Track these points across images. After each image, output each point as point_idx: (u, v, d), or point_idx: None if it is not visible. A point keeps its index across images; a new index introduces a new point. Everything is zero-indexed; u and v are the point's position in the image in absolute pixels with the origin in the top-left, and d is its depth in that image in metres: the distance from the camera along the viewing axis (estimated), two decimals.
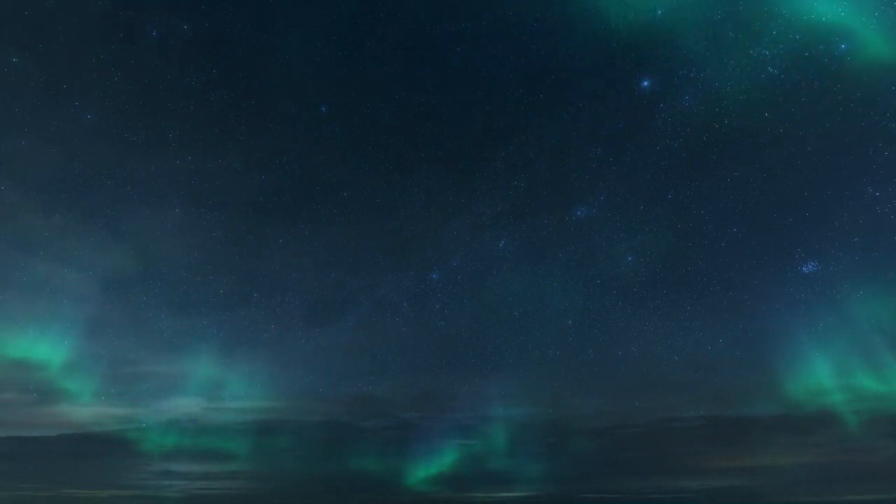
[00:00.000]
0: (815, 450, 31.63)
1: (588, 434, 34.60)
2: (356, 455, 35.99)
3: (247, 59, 29.89)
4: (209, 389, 34.51)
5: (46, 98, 27.98)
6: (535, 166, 32.49)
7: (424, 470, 36.34)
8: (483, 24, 30.92)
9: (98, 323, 32.42)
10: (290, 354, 35.14)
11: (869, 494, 28.49)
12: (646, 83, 29.70)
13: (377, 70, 31.16)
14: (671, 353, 32.47)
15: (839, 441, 30.96)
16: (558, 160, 32.36)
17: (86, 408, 33.17)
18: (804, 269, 29.06)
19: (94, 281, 31.89)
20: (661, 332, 32.63)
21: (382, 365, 35.54)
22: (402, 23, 30.45)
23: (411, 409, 36.33)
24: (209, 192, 31.66)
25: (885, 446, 29.63)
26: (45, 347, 31.46)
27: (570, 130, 31.82)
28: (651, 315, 32.81)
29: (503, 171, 32.76)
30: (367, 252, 34.24)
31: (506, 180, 32.89)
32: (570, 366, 33.94)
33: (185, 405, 34.42)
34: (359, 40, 30.53)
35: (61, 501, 30.85)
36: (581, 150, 31.88)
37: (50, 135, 28.53)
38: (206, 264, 32.90)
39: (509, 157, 32.44)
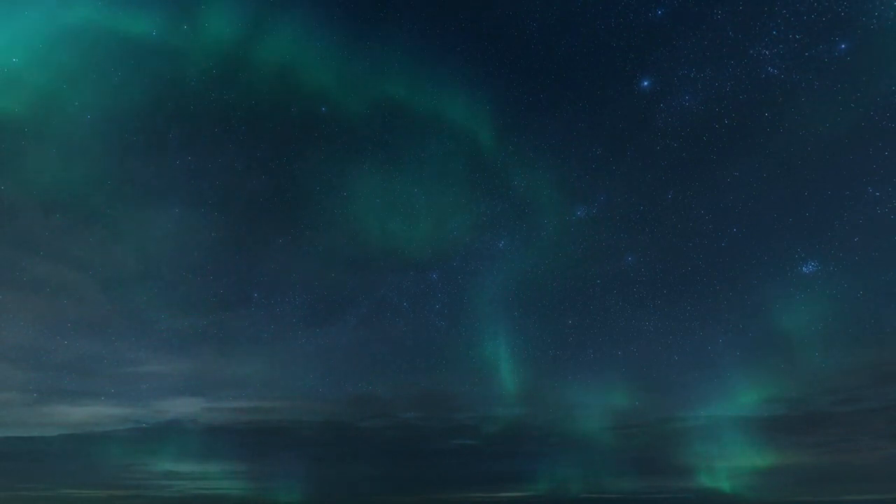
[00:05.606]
0: (815, 450, 31.70)
1: (589, 434, 34.61)
2: (356, 455, 36.06)
3: (247, 59, 29.92)
4: (209, 389, 34.58)
5: (46, 98, 28.02)
6: (535, 166, 32.55)
7: (424, 470, 36.43)
8: (483, 24, 31.02)
9: (98, 323, 32.49)
10: (290, 354, 35.16)
11: (869, 494, 28.51)
12: (646, 83, 29.77)
13: (377, 70, 31.20)
14: (671, 353, 32.52)
15: (839, 441, 31.02)
16: (558, 160, 32.42)
17: (86, 408, 33.23)
18: (804, 269, 29.07)
19: (95, 281, 31.95)
20: (661, 332, 32.70)
21: (382, 365, 35.62)
22: (402, 22, 30.54)
23: (411, 409, 36.42)
24: (209, 192, 31.70)
25: (884, 446, 29.66)
26: (45, 347, 31.53)
27: (570, 130, 31.90)
28: (651, 315, 32.87)
29: (503, 171, 32.83)
30: (367, 252, 34.27)
31: (506, 180, 32.98)
32: (570, 366, 34.01)
33: (185, 405, 34.47)
34: (359, 40, 30.55)
35: (61, 501, 30.85)
36: (581, 150, 31.94)
37: (50, 135, 28.57)
38: (206, 264, 32.93)
39: (509, 157, 32.51)
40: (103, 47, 28.05)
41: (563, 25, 30.27)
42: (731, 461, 32.15)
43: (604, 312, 33.39)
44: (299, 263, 33.57)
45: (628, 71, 29.82)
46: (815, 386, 30.48)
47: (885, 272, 27.65)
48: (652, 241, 32.31)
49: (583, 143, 31.80)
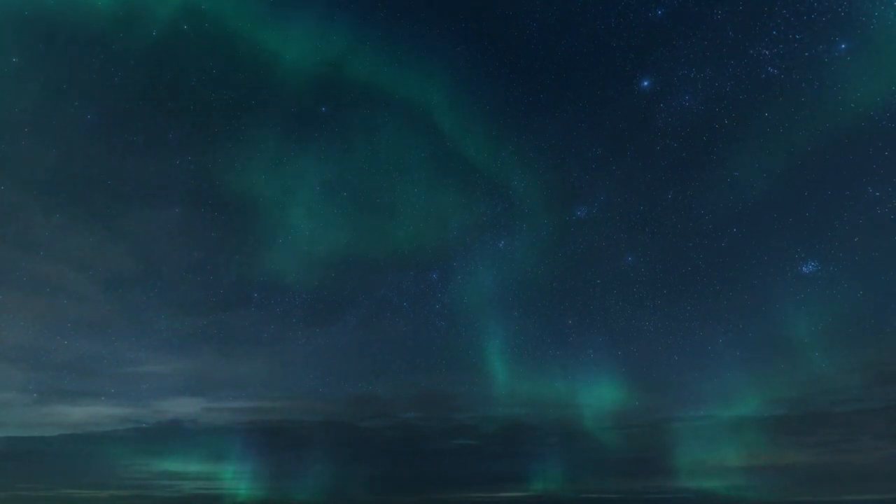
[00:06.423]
0: (815, 450, 31.70)
1: (588, 433, 34.64)
2: (356, 455, 36.08)
3: (247, 59, 29.95)
4: (209, 389, 34.60)
5: (46, 98, 28.02)
6: (535, 166, 32.55)
7: (424, 470, 36.43)
8: (483, 24, 31.03)
9: (98, 323, 32.49)
10: (290, 354, 35.22)
11: (869, 494, 28.49)
12: (646, 83, 29.79)
13: (377, 70, 31.23)
14: (671, 353, 32.54)
15: (839, 441, 31.02)
16: (558, 160, 32.42)
17: (86, 408, 33.23)
18: (804, 269, 29.08)
19: (94, 281, 31.96)
20: (661, 332, 32.71)
21: (382, 365, 35.65)
22: (402, 23, 30.55)
23: (411, 409, 36.42)
24: (209, 192, 31.73)
25: (885, 446, 29.64)
26: (45, 347, 31.53)
27: (570, 130, 31.91)
28: (651, 315, 32.88)
29: (503, 171, 32.84)
30: (367, 252, 34.27)
31: (506, 180, 32.98)
32: (570, 366, 34.01)
33: (185, 405, 34.49)
34: (358, 40, 30.57)
35: (61, 501, 30.85)
36: (581, 150, 31.96)
37: (50, 135, 28.59)
38: (206, 264, 32.98)
39: (509, 157, 32.52)
40: (103, 47, 28.12)
41: (563, 25, 30.32)
42: (731, 461, 32.18)
43: (604, 312, 33.45)
44: (299, 263, 33.64)
45: (628, 71, 29.91)
46: (815, 386, 30.52)
47: (885, 272, 27.69)
48: (652, 241, 32.39)
49: (583, 143, 31.88)
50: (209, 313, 33.70)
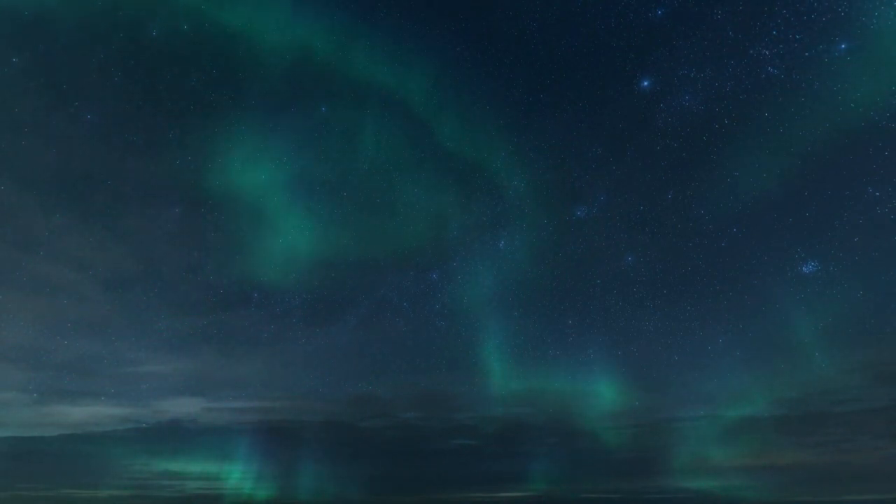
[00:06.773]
0: (815, 450, 31.71)
1: (588, 433, 34.66)
2: (356, 455, 36.09)
3: (247, 59, 29.95)
4: (209, 389, 34.62)
5: (46, 98, 28.05)
6: (535, 166, 32.57)
7: (424, 470, 36.44)
8: (483, 24, 31.05)
9: (98, 323, 32.51)
10: (290, 354, 35.23)
11: (869, 494, 28.50)
12: (646, 83, 29.81)
13: (376, 70, 31.23)
14: (671, 353, 32.54)
15: (839, 441, 31.05)
16: (558, 160, 32.44)
17: (86, 408, 33.25)
18: (804, 269, 29.09)
19: (94, 281, 31.98)
20: (661, 332, 32.71)
21: (382, 365, 35.67)
22: (401, 23, 30.55)
23: (411, 409, 36.44)
24: (209, 192, 31.72)
25: (884, 446, 29.66)
26: (45, 347, 31.55)
27: (570, 130, 31.93)
28: (651, 315, 32.89)
29: (503, 171, 32.86)
30: (367, 252, 34.28)
31: (506, 180, 33.01)
32: (571, 365, 34.02)
33: (185, 405, 34.51)
34: (358, 41, 30.57)
35: (61, 501, 30.84)
36: (581, 150, 31.97)
37: (50, 135, 28.61)
38: (206, 264, 33.00)
39: (509, 157, 32.54)
40: (103, 47, 28.13)
41: (563, 25, 30.35)
42: (731, 461, 32.21)
43: (604, 312, 33.45)
44: (299, 263, 33.63)
45: (628, 71, 29.94)
46: (815, 386, 30.55)
47: (885, 272, 27.68)
48: (652, 241, 32.42)
49: (583, 143, 31.90)
50: (209, 313, 33.79)
